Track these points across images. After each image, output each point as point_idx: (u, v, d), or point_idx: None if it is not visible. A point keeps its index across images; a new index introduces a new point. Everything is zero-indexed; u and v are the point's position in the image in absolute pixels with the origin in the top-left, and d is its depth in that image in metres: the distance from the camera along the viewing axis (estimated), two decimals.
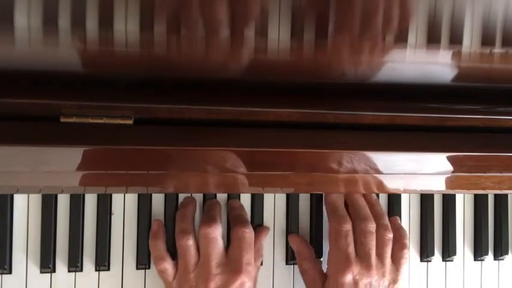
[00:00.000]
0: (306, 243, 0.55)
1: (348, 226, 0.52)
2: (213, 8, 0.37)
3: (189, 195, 0.54)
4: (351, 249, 0.51)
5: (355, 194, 0.55)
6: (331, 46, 0.41)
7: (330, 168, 0.46)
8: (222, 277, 0.48)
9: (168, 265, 0.50)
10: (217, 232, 0.49)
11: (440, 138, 0.48)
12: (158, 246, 0.50)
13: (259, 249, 0.53)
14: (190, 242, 0.49)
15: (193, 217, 0.52)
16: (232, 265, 0.48)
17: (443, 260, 0.60)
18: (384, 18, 0.40)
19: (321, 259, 0.56)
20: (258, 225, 0.55)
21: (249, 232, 0.50)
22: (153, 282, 0.53)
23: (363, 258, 0.51)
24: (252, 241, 0.50)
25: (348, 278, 0.50)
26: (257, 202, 0.55)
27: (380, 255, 0.52)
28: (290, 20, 0.39)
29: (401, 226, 0.56)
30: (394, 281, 0.52)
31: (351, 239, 0.51)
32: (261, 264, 0.55)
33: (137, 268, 0.52)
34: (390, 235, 0.53)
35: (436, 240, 0.60)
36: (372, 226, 0.52)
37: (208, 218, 0.50)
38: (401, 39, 0.41)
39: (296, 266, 0.56)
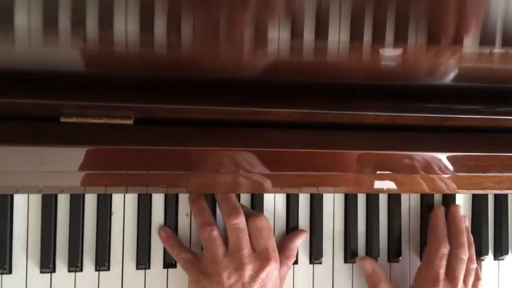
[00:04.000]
0: (379, 264, 0.57)
1: (446, 250, 0.55)
2: (213, 8, 0.37)
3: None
4: (443, 271, 0.54)
5: (459, 217, 0.58)
6: (331, 46, 0.41)
7: (329, 168, 0.46)
8: (253, 266, 0.48)
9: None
10: (244, 222, 0.50)
11: (440, 138, 0.48)
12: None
13: (293, 250, 0.54)
14: (215, 233, 0.50)
15: (209, 209, 0.52)
16: (260, 253, 0.49)
17: None
18: (382, 18, 0.40)
19: (321, 259, 0.56)
20: (294, 228, 0.56)
21: (264, 219, 0.51)
22: (153, 282, 0.53)
23: (451, 281, 0.54)
24: (270, 226, 0.51)
25: None
26: (257, 202, 0.55)
27: (465, 283, 0.55)
28: (290, 20, 0.39)
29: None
30: None
31: (445, 262, 0.55)
32: (295, 263, 0.56)
33: (137, 268, 0.52)
34: (475, 266, 0.57)
35: None
36: (466, 255, 0.56)
37: (232, 209, 0.50)
38: (400, 39, 0.41)
39: (296, 266, 0.56)
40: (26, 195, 0.50)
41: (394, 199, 0.59)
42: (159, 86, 0.42)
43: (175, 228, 0.53)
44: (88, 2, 0.36)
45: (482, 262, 0.61)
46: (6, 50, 0.38)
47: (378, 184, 0.50)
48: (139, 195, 0.52)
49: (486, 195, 0.61)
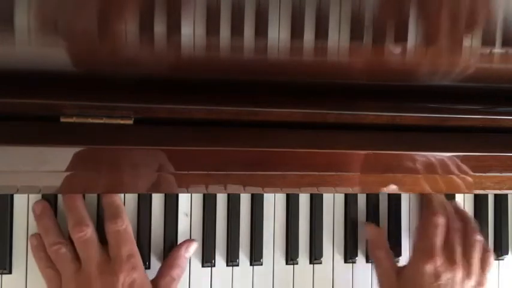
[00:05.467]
0: (381, 231, 0.56)
1: (441, 220, 0.52)
2: (213, 8, 0.37)
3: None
4: (439, 241, 0.51)
5: (450, 202, 0.56)
6: (331, 47, 0.41)
7: (330, 168, 0.46)
8: (104, 280, 0.45)
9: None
10: (90, 232, 0.46)
11: (440, 138, 0.48)
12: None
13: (176, 258, 0.50)
14: (63, 250, 0.46)
15: (55, 224, 0.48)
16: (112, 262, 0.46)
17: None
18: (381, 18, 0.40)
19: (321, 259, 0.56)
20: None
21: (121, 225, 0.47)
22: None
23: (449, 253, 0.50)
24: (127, 231, 0.47)
25: (430, 267, 0.49)
26: (257, 202, 0.55)
27: (467, 256, 0.51)
28: (290, 19, 0.39)
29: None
30: (480, 284, 0.51)
31: (442, 232, 0.51)
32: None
33: None
34: (479, 238, 0.53)
35: None
36: (461, 226, 0.53)
37: (77, 221, 0.47)
38: (400, 39, 0.41)
39: (296, 266, 0.56)
40: (26, 195, 0.50)
41: (394, 199, 0.59)
42: (159, 86, 0.42)
43: (175, 228, 0.53)
44: (87, 2, 0.36)
45: None
46: (6, 50, 0.38)
47: (378, 184, 0.50)
48: (139, 195, 0.52)
49: (486, 195, 0.61)
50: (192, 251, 0.52)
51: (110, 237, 0.47)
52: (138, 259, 0.47)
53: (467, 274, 0.51)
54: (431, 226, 0.52)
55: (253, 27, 0.39)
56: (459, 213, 0.56)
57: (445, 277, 0.49)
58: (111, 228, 0.47)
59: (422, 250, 0.51)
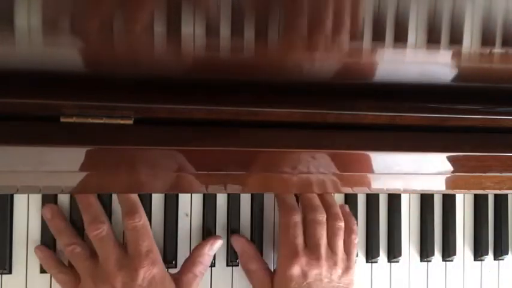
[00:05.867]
0: (250, 243, 0.54)
1: (296, 217, 0.50)
2: (212, 7, 0.37)
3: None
4: (299, 240, 0.49)
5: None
6: (331, 46, 0.41)
7: (330, 168, 0.46)
8: (124, 273, 0.45)
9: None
10: (106, 229, 0.47)
11: (440, 138, 0.48)
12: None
13: (199, 256, 0.51)
14: (78, 250, 0.47)
15: (67, 225, 0.49)
16: (131, 258, 0.46)
17: (443, 260, 0.60)
18: (381, 18, 0.40)
19: None
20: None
21: (138, 220, 0.47)
22: None
23: (312, 249, 0.49)
24: (144, 227, 0.48)
25: (296, 270, 0.48)
26: (257, 202, 0.55)
27: (331, 245, 0.51)
28: (290, 20, 0.39)
29: (350, 213, 0.55)
30: (347, 268, 0.51)
31: (299, 230, 0.50)
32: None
33: None
34: (341, 224, 0.51)
35: (436, 240, 0.60)
36: (321, 216, 0.51)
37: (93, 219, 0.47)
38: (401, 39, 0.41)
39: None
40: (26, 195, 0.50)
41: (394, 199, 0.59)
42: (159, 86, 0.42)
43: (175, 228, 0.53)
44: (87, 2, 0.36)
45: (482, 262, 0.62)
46: (5, 50, 0.38)
47: (378, 184, 0.50)
48: (139, 195, 0.52)
49: (486, 195, 0.61)
50: (216, 249, 0.52)
51: (128, 233, 0.47)
52: (156, 254, 0.47)
53: (334, 263, 0.50)
54: (289, 228, 0.50)
55: (253, 27, 0.39)
56: (321, 197, 0.53)
57: (312, 274, 0.48)
58: (129, 224, 0.47)
59: (286, 255, 0.49)
